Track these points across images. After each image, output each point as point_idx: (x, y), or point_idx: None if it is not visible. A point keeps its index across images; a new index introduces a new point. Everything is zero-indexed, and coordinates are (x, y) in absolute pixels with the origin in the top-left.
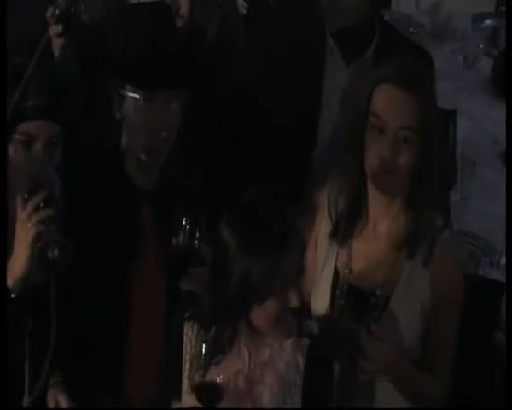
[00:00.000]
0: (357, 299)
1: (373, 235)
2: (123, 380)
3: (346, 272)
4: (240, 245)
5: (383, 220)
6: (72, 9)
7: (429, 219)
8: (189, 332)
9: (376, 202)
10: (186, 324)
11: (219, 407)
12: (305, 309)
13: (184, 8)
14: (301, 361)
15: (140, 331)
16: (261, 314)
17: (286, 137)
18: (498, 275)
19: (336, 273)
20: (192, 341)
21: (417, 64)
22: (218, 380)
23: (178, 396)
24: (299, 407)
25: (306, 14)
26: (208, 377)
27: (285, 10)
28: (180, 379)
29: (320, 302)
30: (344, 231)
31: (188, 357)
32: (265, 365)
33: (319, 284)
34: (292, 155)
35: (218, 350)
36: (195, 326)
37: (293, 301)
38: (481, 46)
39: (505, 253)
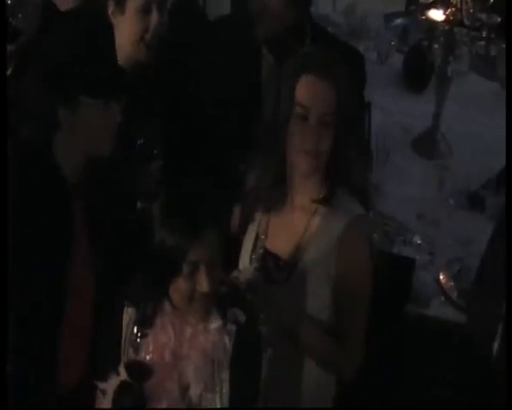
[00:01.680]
0: (269, 262)
1: (290, 207)
2: (57, 364)
3: (263, 237)
4: (161, 219)
5: (300, 194)
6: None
7: (341, 193)
8: (128, 312)
9: (295, 180)
10: (126, 306)
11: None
12: (231, 296)
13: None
14: (228, 343)
15: (74, 317)
16: (175, 291)
17: (229, 141)
18: (410, 252)
19: (256, 239)
20: (128, 321)
21: (340, 57)
22: (147, 358)
23: (117, 372)
24: (227, 384)
25: (239, 23)
26: (139, 354)
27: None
28: (119, 357)
29: (242, 265)
30: (267, 204)
31: (124, 336)
32: (190, 342)
33: (244, 248)
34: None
35: (146, 325)
36: (131, 308)
37: (203, 286)
38: (393, 43)
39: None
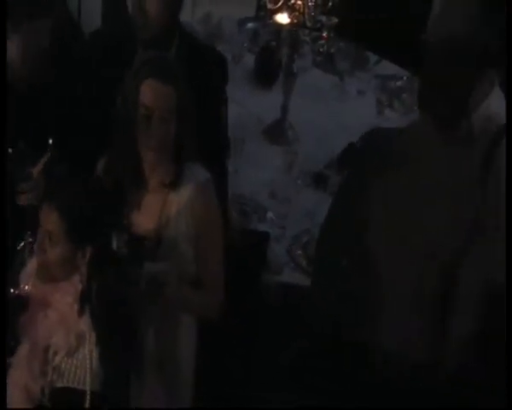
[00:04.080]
0: (136, 245)
1: (146, 192)
2: None
3: (125, 223)
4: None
5: (153, 180)
6: None
7: (187, 169)
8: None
9: (148, 167)
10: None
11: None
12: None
13: None
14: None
15: None
16: None
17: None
18: (265, 227)
19: None
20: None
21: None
22: (25, 289)
23: None
24: (94, 358)
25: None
26: (20, 286)
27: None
28: None
29: None
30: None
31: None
32: (49, 303)
33: None
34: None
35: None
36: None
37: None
38: (245, 45)
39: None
